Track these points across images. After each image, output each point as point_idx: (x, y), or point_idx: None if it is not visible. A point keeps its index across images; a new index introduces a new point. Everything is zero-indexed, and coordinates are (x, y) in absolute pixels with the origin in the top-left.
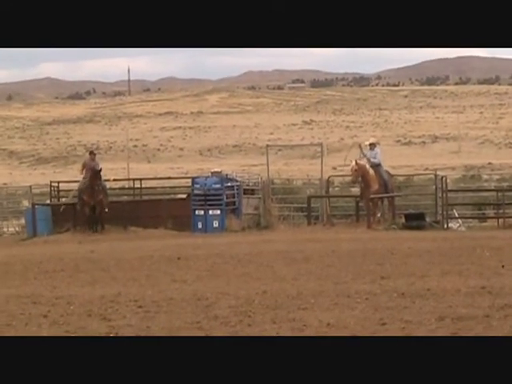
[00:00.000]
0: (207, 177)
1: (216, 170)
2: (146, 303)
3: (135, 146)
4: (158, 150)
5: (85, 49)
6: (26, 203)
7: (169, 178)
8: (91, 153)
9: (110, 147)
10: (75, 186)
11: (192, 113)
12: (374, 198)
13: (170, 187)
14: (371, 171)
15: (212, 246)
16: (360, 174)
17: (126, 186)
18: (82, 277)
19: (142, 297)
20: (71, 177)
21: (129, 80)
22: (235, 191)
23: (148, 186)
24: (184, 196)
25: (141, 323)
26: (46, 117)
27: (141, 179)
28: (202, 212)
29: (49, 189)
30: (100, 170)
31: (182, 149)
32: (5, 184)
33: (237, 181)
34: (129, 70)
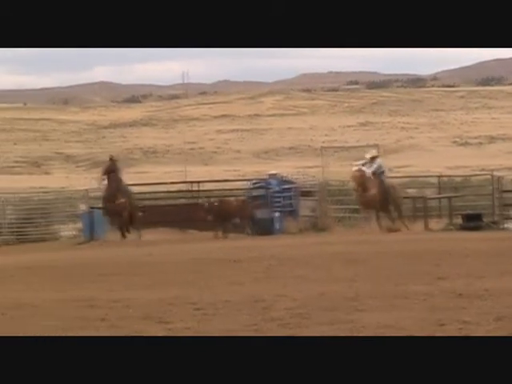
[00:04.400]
0: (264, 179)
1: (273, 172)
2: (204, 305)
3: (192, 148)
4: (215, 152)
5: (140, 52)
6: (82, 207)
7: (225, 180)
8: (111, 158)
9: (167, 150)
10: (132, 189)
11: (248, 115)
12: (373, 204)
13: (227, 190)
14: (370, 177)
15: (269, 248)
16: (359, 181)
17: (183, 189)
18: (139, 280)
19: (199, 299)
20: (128, 180)
21: (185, 83)
22: (292, 193)
23: (205, 188)
24: (241, 198)
25: (198, 326)
26: (102, 120)
27: (198, 182)
28: (259, 214)
29: None
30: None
31: (238, 151)
32: (62, 188)
33: (293, 183)
34: (185, 73)
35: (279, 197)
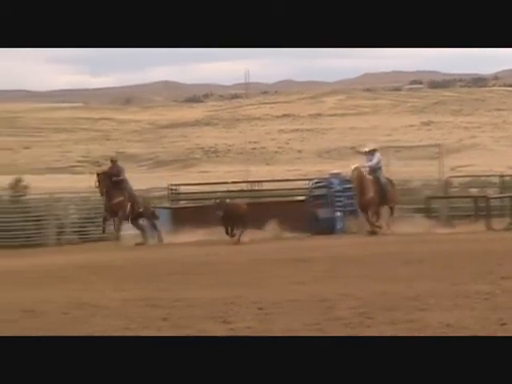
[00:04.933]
0: (326, 178)
1: (335, 171)
2: (266, 305)
3: (253, 148)
4: (276, 152)
5: (201, 52)
6: None
7: (287, 180)
8: (112, 160)
9: (229, 150)
10: (193, 188)
11: (310, 115)
12: (371, 206)
13: (288, 189)
14: (368, 177)
15: (330, 248)
16: (357, 182)
17: (245, 189)
18: (200, 279)
19: (261, 299)
20: (189, 179)
21: (247, 83)
22: (354, 193)
23: (266, 188)
24: (302, 198)
25: (261, 325)
26: (163, 120)
27: (259, 181)
28: (321, 214)
29: (167, 192)
30: (119, 180)
31: (300, 151)
32: None
33: None
34: (247, 73)
35: (341, 196)
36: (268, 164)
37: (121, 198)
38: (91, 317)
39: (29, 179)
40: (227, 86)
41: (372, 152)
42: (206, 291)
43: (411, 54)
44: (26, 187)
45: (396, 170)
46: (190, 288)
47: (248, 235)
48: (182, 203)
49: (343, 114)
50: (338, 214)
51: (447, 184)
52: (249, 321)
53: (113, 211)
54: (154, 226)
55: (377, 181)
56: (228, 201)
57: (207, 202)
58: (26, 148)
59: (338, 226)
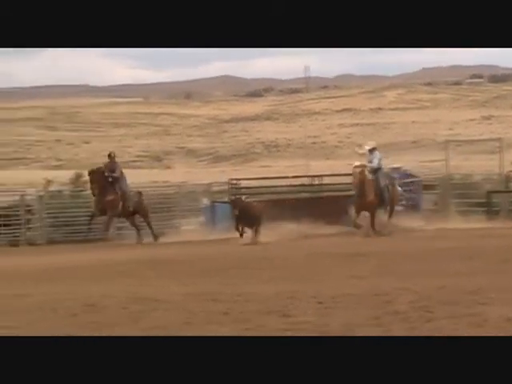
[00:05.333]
0: (387, 173)
1: (396, 165)
2: (325, 299)
3: (313, 142)
4: (337, 146)
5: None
6: (204, 201)
7: (348, 174)
8: (109, 155)
9: (289, 144)
10: (254, 183)
11: (370, 109)
12: (371, 208)
13: (349, 184)
14: (369, 179)
15: (388, 242)
16: (359, 182)
17: (305, 183)
18: (260, 274)
19: (320, 293)
20: (250, 174)
21: (306, 77)
22: (414, 187)
23: (327, 182)
24: None
25: (320, 320)
26: (223, 115)
27: (320, 176)
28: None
29: (227, 186)
30: (115, 176)
31: (360, 145)
32: (183, 182)
33: (416, 176)
34: (307, 68)
35: (402, 190)
36: (328, 158)
37: (112, 197)
38: (151, 311)
39: None
40: (287, 81)
41: (372, 151)
42: (265, 286)
43: (470, 49)
44: (86, 182)
45: (457, 165)
46: (250, 283)
47: (309, 229)
48: (243, 198)
49: (404, 108)
50: (399, 208)
51: (508, 178)
52: (308, 315)
53: (103, 209)
54: (148, 225)
55: (377, 184)
56: (244, 198)
57: (268, 197)
58: (86, 143)
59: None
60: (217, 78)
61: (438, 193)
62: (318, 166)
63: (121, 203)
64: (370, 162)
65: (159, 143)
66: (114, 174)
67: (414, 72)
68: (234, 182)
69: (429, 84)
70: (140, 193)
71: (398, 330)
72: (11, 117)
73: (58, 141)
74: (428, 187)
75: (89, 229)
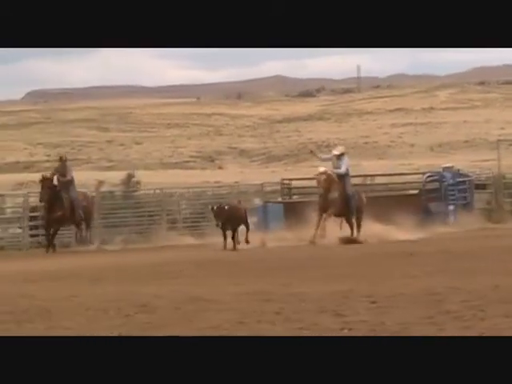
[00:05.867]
0: (439, 172)
1: (448, 165)
2: (379, 299)
3: (365, 142)
4: (389, 146)
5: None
6: (257, 201)
7: (400, 174)
8: (61, 158)
9: (341, 144)
10: (306, 183)
11: (422, 109)
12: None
13: (401, 183)
14: (336, 180)
15: (442, 241)
16: (327, 184)
17: (357, 183)
18: (313, 273)
19: (374, 292)
20: (302, 174)
21: (358, 77)
22: (466, 186)
23: (379, 182)
24: (415, 192)
25: (374, 319)
26: (275, 115)
27: (372, 175)
28: (434, 207)
29: (280, 186)
30: (66, 180)
31: (412, 145)
32: (236, 182)
33: (468, 176)
34: (358, 68)
35: (454, 190)
36: (380, 158)
37: (60, 213)
38: (204, 311)
39: (141, 175)
40: (339, 81)
41: (340, 156)
42: (319, 285)
43: None
44: (138, 183)
45: (509, 164)
46: (303, 282)
47: (363, 228)
48: (295, 198)
49: (455, 108)
50: (451, 207)
51: None
52: (362, 314)
53: (50, 225)
54: (88, 227)
55: (344, 187)
56: (227, 206)
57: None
58: (138, 143)
59: (451, 219)
60: (269, 78)
61: (491, 192)
62: (370, 166)
63: (69, 215)
64: (338, 167)
65: (211, 143)
66: (65, 179)
67: (466, 71)
68: (286, 181)
69: (480, 83)
70: (86, 194)
71: (452, 329)
72: (64, 118)
73: (110, 142)
74: (480, 186)
75: (48, 242)
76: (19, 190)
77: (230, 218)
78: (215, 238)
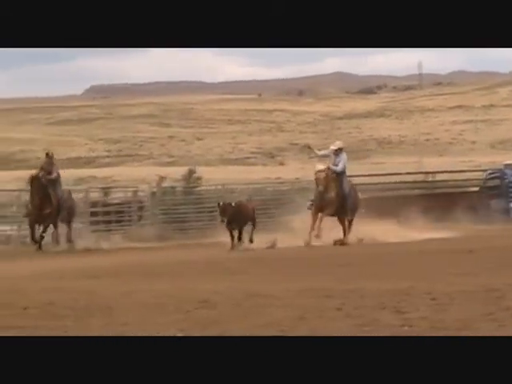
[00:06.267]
0: (500, 169)
1: (509, 162)
2: (438, 295)
3: (427, 139)
4: (450, 143)
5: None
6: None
7: (461, 171)
8: (47, 155)
9: (401, 141)
10: (368, 179)
11: (483, 106)
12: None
13: (462, 180)
14: (334, 178)
15: (499, 238)
16: (326, 183)
17: (418, 180)
18: (372, 270)
19: (433, 289)
20: (363, 171)
21: (420, 74)
22: None
23: (440, 179)
24: (476, 189)
25: (434, 315)
26: (336, 111)
27: (433, 172)
28: (495, 204)
29: None
30: (52, 178)
31: (473, 142)
32: (297, 178)
33: None
34: (420, 64)
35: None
36: (441, 155)
37: (49, 210)
38: (264, 307)
39: (202, 171)
40: (400, 78)
41: (338, 152)
42: (378, 282)
43: None
44: (199, 178)
45: None
46: (362, 278)
47: (422, 225)
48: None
49: None
50: None
51: None
52: (423, 311)
53: (39, 221)
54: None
55: (340, 185)
56: (233, 204)
57: (380, 194)
58: (199, 139)
59: None
60: (330, 74)
61: None
62: (431, 163)
63: (56, 212)
64: (335, 164)
65: (272, 140)
66: (51, 176)
67: None
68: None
69: None
70: (70, 192)
71: None
72: (126, 113)
73: (171, 137)
74: None
75: (32, 238)
76: (79, 185)
77: (235, 216)
78: (277, 234)
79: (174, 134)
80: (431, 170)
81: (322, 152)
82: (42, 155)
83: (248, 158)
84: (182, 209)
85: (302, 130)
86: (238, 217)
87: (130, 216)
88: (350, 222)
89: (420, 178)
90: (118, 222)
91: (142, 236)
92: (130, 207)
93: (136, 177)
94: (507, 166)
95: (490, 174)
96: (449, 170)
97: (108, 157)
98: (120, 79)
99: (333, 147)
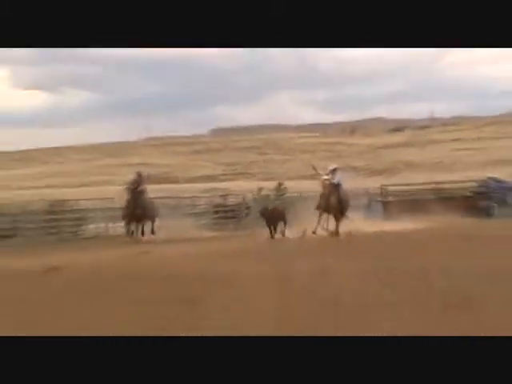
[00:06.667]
0: (485, 180)
1: (491, 175)
2: None
3: (436, 162)
4: (453, 164)
5: None
6: (364, 200)
7: (460, 181)
8: (138, 174)
9: (421, 164)
10: (397, 188)
11: (475, 138)
12: (334, 210)
13: (461, 188)
14: (335, 187)
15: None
16: (329, 188)
17: (431, 188)
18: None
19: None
20: (395, 182)
21: (432, 118)
22: None
23: (447, 187)
24: (471, 194)
25: None
26: (377, 143)
27: (441, 182)
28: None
29: (380, 190)
30: (137, 189)
31: (467, 163)
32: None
33: None
34: (432, 111)
35: None
36: (448, 172)
37: (140, 211)
38: None
39: (287, 183)
40: (418, 120)
41: (334, 171)
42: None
43: None
44: (285, 189)
45: None
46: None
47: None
48: (390, 198)
49: None
50: None
51: None
52: None
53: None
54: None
55: (339, 193)
56: (269, 207)
57: (408, 198)
58: (284, 163)
59: None
60: (373, 119)
61: None
62: (440, 177)
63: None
64: (332, 179)
65: (333, 163)
66: (141, 188)
67: None
68: (384, 187)
69: None
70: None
71: None
72: (238, 146)
73: (267, 162)
74: None
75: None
76: (207, 193)
77: (271, 217)
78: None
79: (269, 159)
80: (440, 181)
81: (322, 172)
82: (181, 175)
83: (317, 174)
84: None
85: (354, 157)
86: (273, 217)
87: (239, 214)
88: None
89: (433, 186)
90: (232, 217)
91: (248, 226)
92: (239, 208)
93: (244, 188)
94: (490, 178)
95: (479, 184)
96: (452, 180)
97: (225, 175)
98: (235, 122)
99: (330, 168)
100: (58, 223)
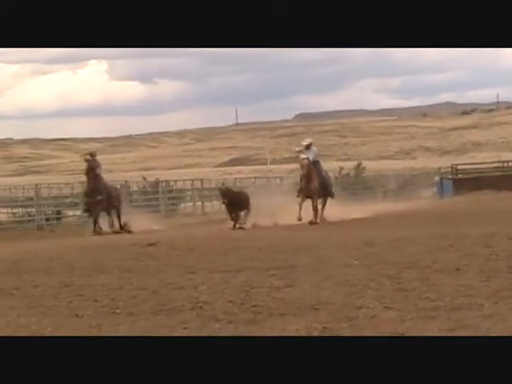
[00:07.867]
0: None
1: None
2: None
3: (502, 142)
4: None
5: None
6: (436, 178)
7: None
8: (91, 154)
9: (487, 143)
10: (466, 167)
11: None
12: (314, 194)
13: None
14: (314, 169)
15: None
16: (307, 170)
17: (498, 166)
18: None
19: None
20: (464, 161)
21: (498, 102)
22: None
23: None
24: None
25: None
26: (447, 125)
27: (507, 161)
28: None
29: (451, 169)
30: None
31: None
32: (423, 167)
33: None
34: (497, 95)
35: None
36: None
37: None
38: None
39: (365, 163)
40: (485, 104)
41: (308, 147)
42: (473, 228)
43: None
44: (363, 168)
45: None
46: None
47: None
48: (460, 176)
49: None
50: None
51: None
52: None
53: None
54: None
55: (319, 172)
56: (234, 188)
57: (477, 175)
58: (363, 144)
59: None
60: (443, 103)
61: None
62: (506, 156)
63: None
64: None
65: (408, 144)
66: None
67: None
68: (455, 166)
69: None
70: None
71: None
72: (319, 129)
73: (346, 144)
74: None
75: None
76: (292, 172)
77: (233, 200)
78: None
79: (348, 142)
80: (505, 160)
81: (298, 148)
82: (269, 157)
83: (393, 155)
84: (352, 187)
85: (426, 138)
86: (236, 201)
87: None
88: (325, 202)
89: (499, 165)
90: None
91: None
92: None
93: (331, 167)
94: None
95: None
96: None
97: (290, 157)
98: (317, 109)
99: (303, 143)
100: (157, 202)
